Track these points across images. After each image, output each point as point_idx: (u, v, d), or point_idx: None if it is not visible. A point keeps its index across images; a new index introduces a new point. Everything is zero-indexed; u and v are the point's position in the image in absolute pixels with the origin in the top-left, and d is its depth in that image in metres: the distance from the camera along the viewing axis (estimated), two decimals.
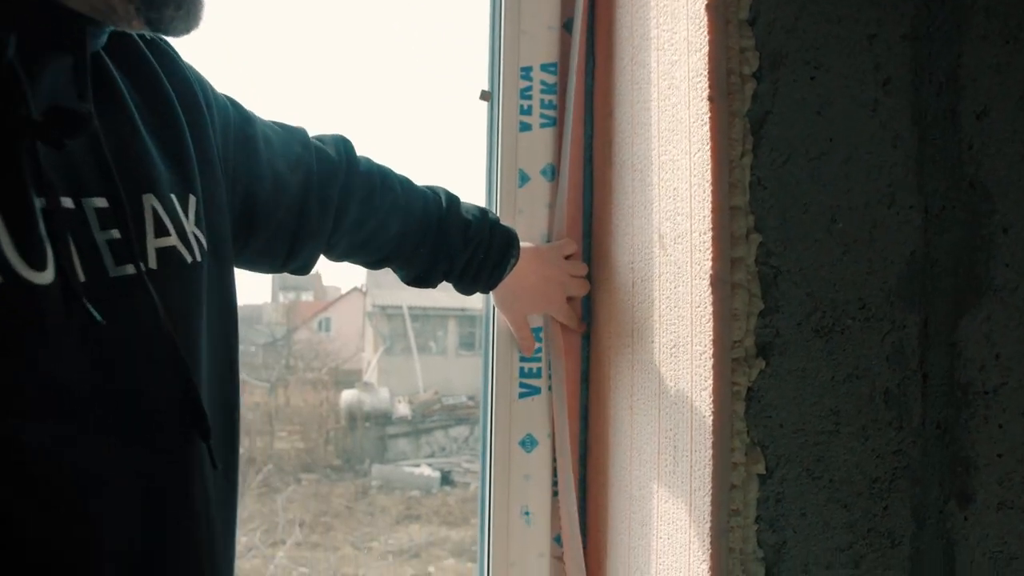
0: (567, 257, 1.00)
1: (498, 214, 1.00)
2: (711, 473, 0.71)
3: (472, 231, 0.90)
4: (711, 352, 0.72)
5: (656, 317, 0.83)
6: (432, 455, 11.86)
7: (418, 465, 11.12)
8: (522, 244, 0.95)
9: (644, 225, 0.87)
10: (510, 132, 1.00)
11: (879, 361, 0.76)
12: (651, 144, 0.85)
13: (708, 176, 0.73)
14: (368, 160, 0.87)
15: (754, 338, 0.74)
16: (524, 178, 1.01)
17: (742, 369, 0.73)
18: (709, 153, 0.73)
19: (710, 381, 0.71)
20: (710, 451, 0.71)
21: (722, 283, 0.72)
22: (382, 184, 0.86)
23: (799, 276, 0.75)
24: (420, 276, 0.92)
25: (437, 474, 10.78)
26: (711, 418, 0.71)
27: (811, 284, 0.75)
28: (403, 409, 12.63)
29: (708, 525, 0.71)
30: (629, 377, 0.90)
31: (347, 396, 12.76)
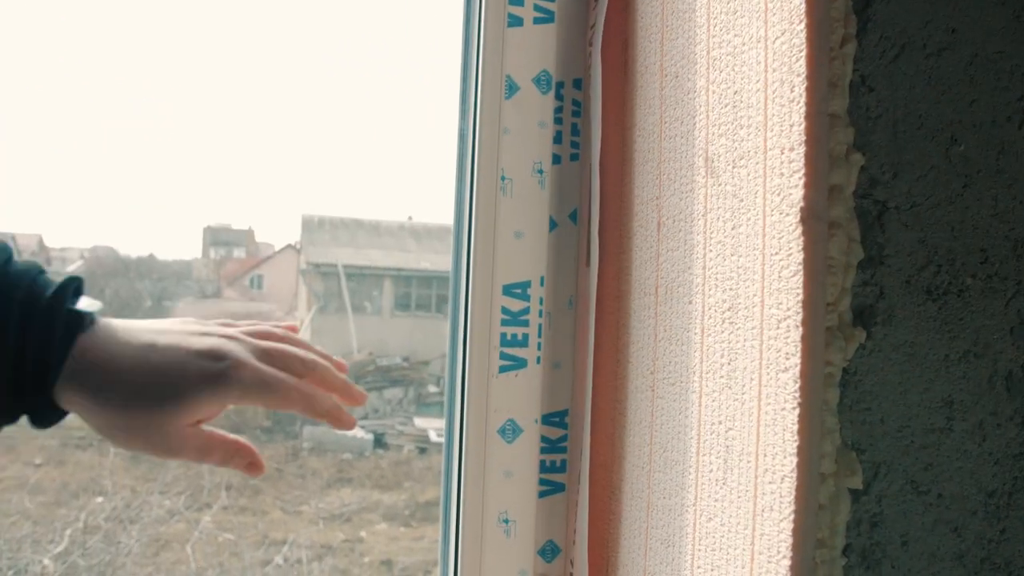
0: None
1: (477, 134, 0.77)
2: (794, 489, 0.50)
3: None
4: (798, 319, 0.50)
5: (698, 269, 0.61)
6: (365, 417, 11.60)
7: None
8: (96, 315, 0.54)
9: (680, 147, 0.65)
10: (495, 25, 0.77)
11: (1001, 334, 0.56)
12: (694, 35, 0.63)
13: (801, 68, 0.51)
14: None
15: (850, 299, 0.53)
16: (512, 87, 0.77)
17: (837, 343, 0.52)
18: (805, 35, 0.51)
19: (796, 359, 0.50)
20: (793, 458, 0.50)
21: (816, 220, 0.50)
22: None
23: (910, 216, 0.54)
24: None
25: (370, 437, 10.55)
26: (796, 411, 0.50)
27: (924, 227, 0.54)
28: None
29: (787, 562, 0.50)
30: (651, 349, 0.68)
31: None
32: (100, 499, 8.10)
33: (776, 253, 0.52)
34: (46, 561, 6.56)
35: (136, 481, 8.61)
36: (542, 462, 0.80)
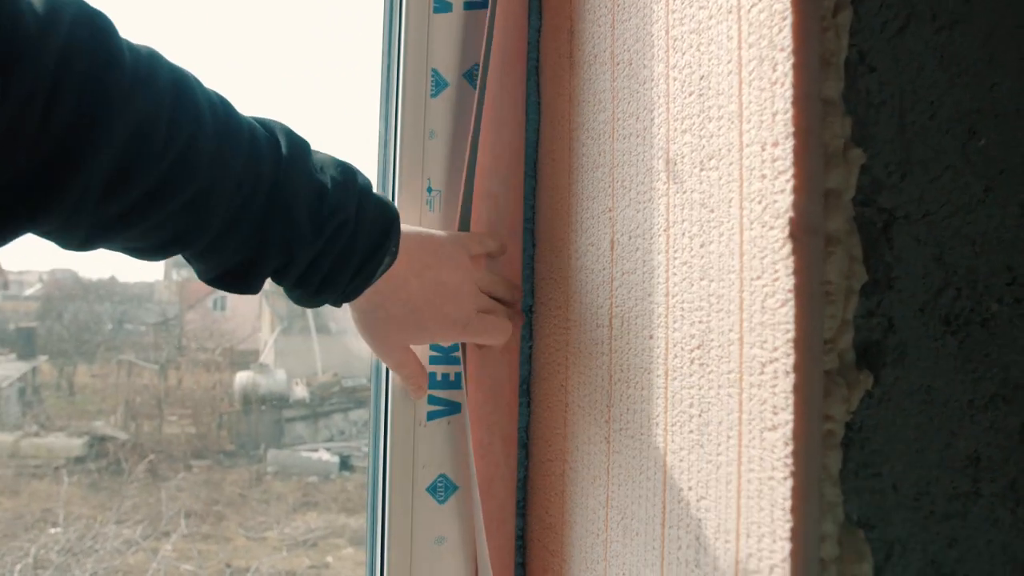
0: (484, 255, 0.65)
1: (399, 136, 0.65)
2: None
3: (329, 203, 0.53)
4: (788, 362, 0.39)
5: (660, 297, 0.50)
6: (331, 439, 11.36)
7: (316, 450, 10.63)
8: (407, 228, 0.60)
9: (635, 148, 0.53)
10: (419, 12, 0.65)
11: None
12: (651, 13, 0.52)
13: (786, 41, 0.40)
14: (154, 55, 0.46)
15: (852, 334, 0.41)
16: (440, 83, 0.65)
17: (838, 392, 0.41)
18: (789, 2, 0.40)
19: (787, 415, 0.39)
20: (785, 543, 0.39)
21: (811, 234, 0.39)
22: (175, 100, 0.46)
23: (923, 227, 0.43)
24: (232, 272, 0.52)
25: (336, 459, 10.31)
26: (789, 482, 0.39)
27: (940, 241, 0.43)
28: (300, 391, 12.06)
29: None
30: (605, 393, 0.57)
31: (241, 378, 12.09)
32: (55, 530, 7.80)
33: (758, 277, 0.41)
34: None
35: (93, 510, 8.31)
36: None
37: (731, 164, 0.43)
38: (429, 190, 0.64)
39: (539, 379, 0.67)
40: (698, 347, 0.46)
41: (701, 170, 0.46)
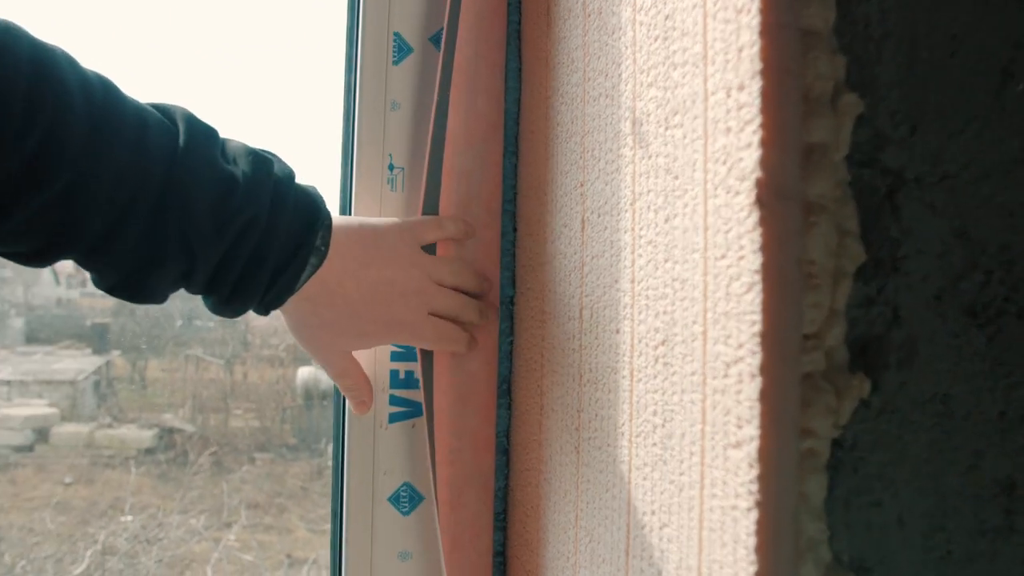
0: (434, 246, 0.58)
1: (357, 108, 0.58)
2: None
3: (236, 199, 0.46)
4: (754, 362, 0.31)
5: (626, 284, 0.42)
6: None
7: None
8: (340, 221, 0.53)
9: (604, 110, 0.45)
10: None
11: None
12: None
13: None
14: (11, 28, 0.40)
15: (844, 328, 0.33)
16: (403, 49, 0.59)
17: (822, 401, 0.32)
18: None
19: (752, 428, 0.31)
20: None
21: (782, 200, 0.31)
22: (35, 73, 0.40)
23: (941, 194, 0.34)
24: (130, 279, 0.45)
25: None
26: (753, 514, 0.30)
27: (963, 212, 0.34)
28: None
29: None
30: (575, 396, 0.49)
31: (303, 374, 12.29)
32: (124, 518, 8.03)
33: (722, 256, 0.33)
34: None
35: (161, 500, 8.54)
36: None
37: (695, 118, 0.35)
38: (391, 167, 0.57)
39: (518, 378, 0.59)
40: (662, 343, 0.38)
41: (666, 128, 0.38)
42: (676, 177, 0.37)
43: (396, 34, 0.58)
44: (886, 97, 0.33)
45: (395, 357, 0.58)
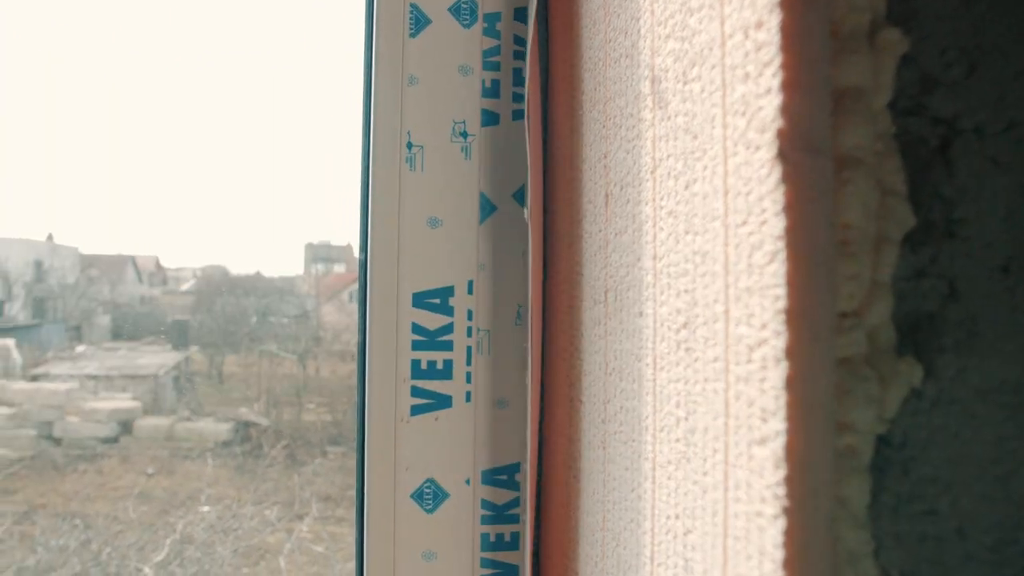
0: None
1: (374, 83, 0.55)
2: None
3: None
4: (779, 344, 0.26)
5: (648, 261, 0.38)
6: None
7: None
8: None
9: (625, 72, 0.41)
10: None
11: None
12: None
13: None
14: None
15: (890, 304, 0.28)
16: (421, 20, 0.55)
17: (862, 390, 0.28)
18: None
19: (778, 422, 0.26)
20: None
21: (809, 153, 0.26)
22: None
23: (1007, 146, 0.29)
24: None
25: None
26: (780, 522, 0.26)
27: None
28: None
29: None
30: (601, 387, 0.45)
31: None
32: (202, 508, 8.29)
33: (743, 223, 0.28)
34: (146, 569, 6.71)
35: (237, 491, 8.78)
36: (484, 537, 0.57)
37: (713, 67, 0.31)
38: (409, 146, 0.54)
39: (550, 368, 0.55)
40: (684, 326, 0.34)
41: (684, 83, 0.34)
42: (695, 137, 0.33)
43: (413, 5, 0.55)
44: (935, 32, 0.28)
45: (416, 346, 0.55)
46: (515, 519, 0.57)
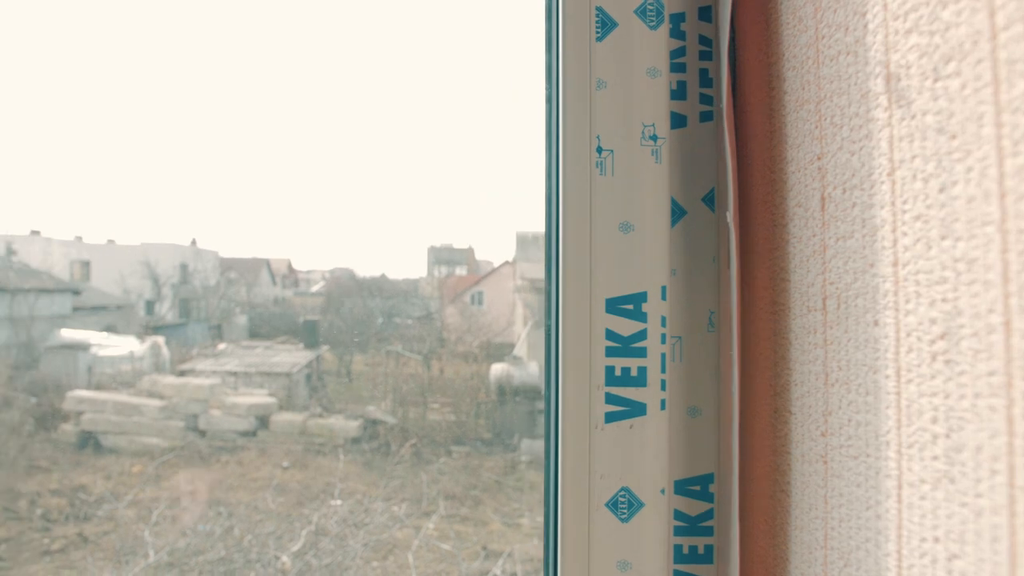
0: None
1: (561, 88, 0.55)
2: None
3: None
4: None
5: (887, 267, 0.36)
6: None
7: None
8: None
9: (845, 70, 0.40)
10: None
11: None
12: None
13: None
14: None
15: None
16: (607, 23, 0.55)
17: None
18: None
19: None
20: None
21: None
22: None
23: None
24: None
25: None
26: None
27: None
28: None
29: None
30: (821, 397, 0.43)
31: (497, 370, 12.62)
32: (334, 502, 8.62)
33: None
34: (284, 558, 7.05)
35: (366, 487, 9.09)
36: (677, 548, 0.56)
37: (980, 62, 0.29)
38: (599, 150, 0.54)
39: (745, 377, 0.54)
40: (942, 336, 0.32)
41: (935, 80, 0.32)
42: (953, 137, 0.31)
43: (599, 8, 0.55)
44: None
45: (610, 352, 0.55)
46: (708, 531, 0.56)
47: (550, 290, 0.57)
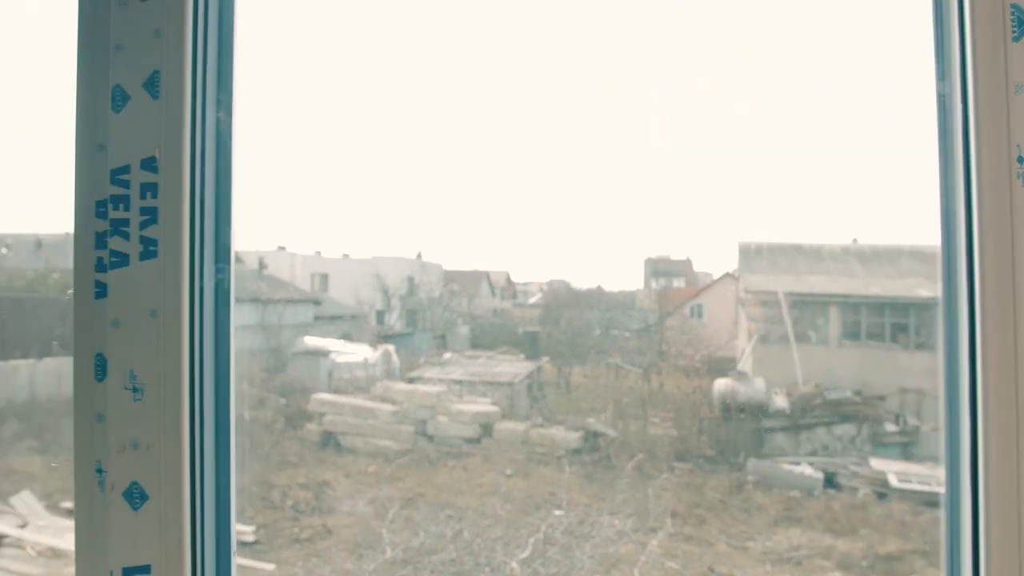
0: None
1: (972, 93, 0.51)
2: None
3: None
4: None
5: None
6: (814, 453, 10.84)
7: (798, 463, 10.23)
8: None
9: None
10: None
11: None
12: None
13: None
14: None
15: None
16: None
17: None
18: None
19: None
20: None
21: None
22: None
23: None
24: None
25: (820, 475, 9.79)
26: None
27: None
28: (780, 401, 11.76)
29: None
30: None
31: (720, 385, 12.25)
32: (558, 512, 8.77)
33: None
34: (513, 564, 7.25)
35: (588, 499, 9.15)
36: None
37: None
38: (1020, 160, 0.49)
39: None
40: None
41: None
42: None
43: (1014, 6, 0.50)
44: None
45: None
46: None
47: (951, 304, 0.53)
